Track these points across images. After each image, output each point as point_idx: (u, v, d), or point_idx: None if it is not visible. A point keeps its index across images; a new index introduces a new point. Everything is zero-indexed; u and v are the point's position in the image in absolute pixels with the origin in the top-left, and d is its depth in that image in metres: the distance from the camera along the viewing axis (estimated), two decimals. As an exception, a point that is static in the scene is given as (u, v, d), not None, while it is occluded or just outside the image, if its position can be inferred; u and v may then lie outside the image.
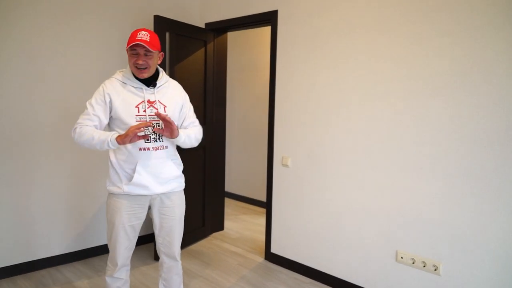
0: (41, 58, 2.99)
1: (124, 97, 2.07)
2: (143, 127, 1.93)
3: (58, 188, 3.16)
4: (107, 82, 2.12)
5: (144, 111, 2.08)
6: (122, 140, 1.94)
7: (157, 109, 2.11)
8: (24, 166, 2.98)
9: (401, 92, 2.53)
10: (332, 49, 2.89)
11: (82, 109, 2.09)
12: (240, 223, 4.54)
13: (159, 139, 2.11)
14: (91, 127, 2.05)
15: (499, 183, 2.16)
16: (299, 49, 3.10)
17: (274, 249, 3.40)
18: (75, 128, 2.06)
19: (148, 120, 2.07)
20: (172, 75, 3.35)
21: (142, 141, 2.07)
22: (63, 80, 3.12)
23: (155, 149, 2.10)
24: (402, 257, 2.57)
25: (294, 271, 3.22)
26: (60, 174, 3.16)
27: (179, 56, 3.45)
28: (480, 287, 2.25)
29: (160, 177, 2.13)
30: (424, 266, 2.47)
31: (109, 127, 2.14)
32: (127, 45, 2.04)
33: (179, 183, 2.25)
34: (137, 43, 2.00)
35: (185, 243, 3.63)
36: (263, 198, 5.22)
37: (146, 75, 2.08)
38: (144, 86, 2.11)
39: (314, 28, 2.99)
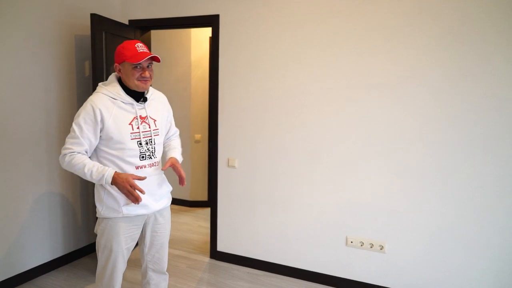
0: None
1: (116, 114, 1.94)
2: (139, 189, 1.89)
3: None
4: (94, 98, 1.95)
5: (138, 128, 1.99)
6: (118, 187, 1.90)
7: (148, 124, 2.03)
8: None
9: (348, 97, 2.90)
10: (277, 57, 3.09)
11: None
12: (165, 224, 4.46)
13: (152, 155, 2.05)
14: (82, 155, 1.93)
15: (432, 176, 2.71)
16: (243, 53, 3.22)
17: (221, 247, 3.51)
18: (64, 155, 1.92)
19: (141, 137, 1.99)
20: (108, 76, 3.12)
21: (138, 159, 1.99)
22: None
23: (150, 165, 2.04)
24: (352, 242, 2.99)
25: (245, 266, 3.40)
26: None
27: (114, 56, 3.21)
28: (417, 258, 2.81)
29: (155, 193, 2.07)
30: (371, 247, 2.93)
31: (97, 147, 1.97)
32: (130, 59, 1.91)
33: (169, 198, 2.21)
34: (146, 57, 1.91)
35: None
36: (174, 195, 5.19)
37: (148, 86, 2.03)
38: (134, 101, 2.01)
39: (259, 36, 3.14)
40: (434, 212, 2.73)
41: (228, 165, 3.38)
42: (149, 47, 3.84)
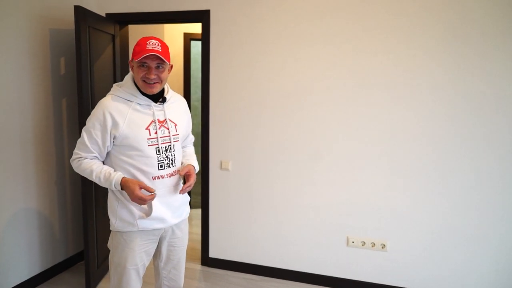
0: None
1: (131, 118, 1.77)
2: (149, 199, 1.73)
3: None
4: (105, 101, 1.77)
5: (156, 133, 1.82)
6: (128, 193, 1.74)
7: (168, 128, 1.86)
8: None
9: (347, 97, 2.87)
10: (274, 56, 2.99)
11: None
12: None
13: (172, 163, 1.88)
14: (90, 160, 1.80)
15: (433, 175, 2.75)
16: (237, 52, 3.08)
17: (213, 254, 3.36)
18: (73, 160, 1.82)
19: (159, 143, 1.82)
20: (92, 76, 2.87)
21: (156, 168, 1.81)
22: None
23: (169, 175, 1.87)
24: (353, 242, 2.98)
25: (240, 272, 3.28)
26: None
27: (97, 53, 2.94)
28: (419, 256, 2.86)
29: (173, 205, 1.91)
30: (373, 246, 2.93)
31: (112, 154, 1.79)
32: (135, 56, 1.74)
33: (187, 209, 2.05)
34: (149, 55, 1.71)
35: (106, 269, 3.19)
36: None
37: (156, 90, 1.81)
38: (152, 103, 1.83)
39: (254, 34, 3.02)
40: (435, 210, 2.78)
41: (221, 168, 3.24)
42: (127, 41, 3.58)
